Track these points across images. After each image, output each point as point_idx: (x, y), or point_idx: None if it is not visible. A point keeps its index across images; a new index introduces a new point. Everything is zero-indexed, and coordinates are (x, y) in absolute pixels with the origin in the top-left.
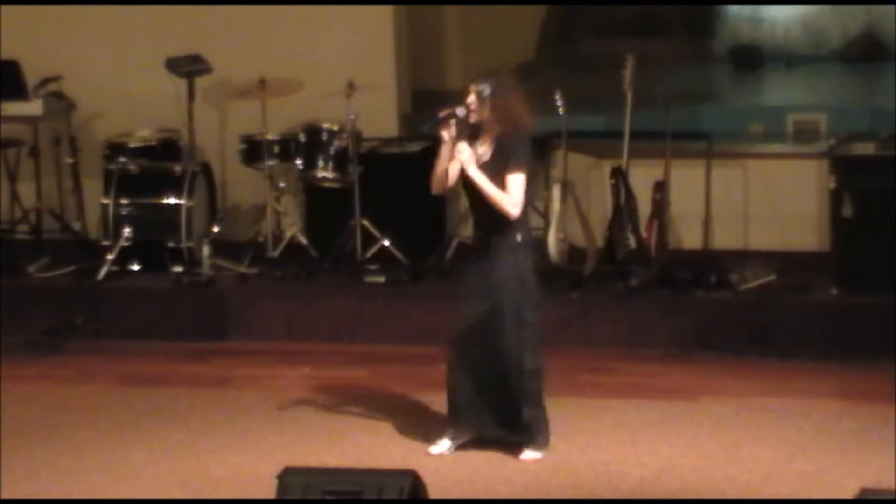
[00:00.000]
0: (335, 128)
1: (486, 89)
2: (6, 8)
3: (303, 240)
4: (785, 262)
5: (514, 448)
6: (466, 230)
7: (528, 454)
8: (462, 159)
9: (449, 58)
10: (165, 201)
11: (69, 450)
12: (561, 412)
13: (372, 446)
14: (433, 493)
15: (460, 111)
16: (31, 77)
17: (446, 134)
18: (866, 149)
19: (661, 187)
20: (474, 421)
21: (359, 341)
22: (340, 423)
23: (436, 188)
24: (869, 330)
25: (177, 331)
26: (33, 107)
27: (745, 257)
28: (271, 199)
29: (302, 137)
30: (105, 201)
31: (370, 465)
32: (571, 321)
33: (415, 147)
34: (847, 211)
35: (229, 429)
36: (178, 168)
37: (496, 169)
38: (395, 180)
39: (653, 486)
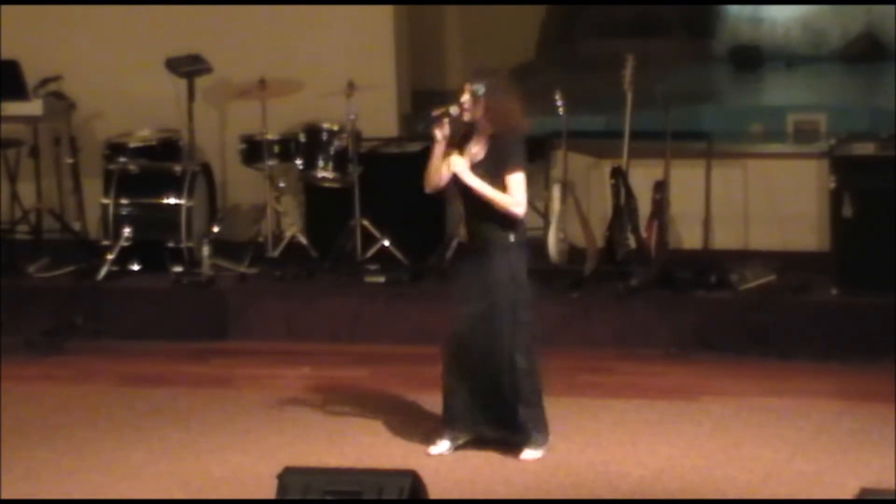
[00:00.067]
0: (335, 128)
1: (481, 89)
2: (6, 8)
3: (303, 240)
4: (785, 262)
5: (513, 448)
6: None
7: (528, 454)
8: (457, 171)
9: (449, 58)
10: (165, 201)
11: (69, 450)
12: (561, 412)
13: (372, 446)
14: (433, 493)
15: (454, 110)
16: (31, 77)
17: (439, 132)
18: (866, 149)
19: (661, 187)
20: (470, 422)
21: (359, 341)
22: (340, 423)
23: (429, 186)
24: (869, 330)
25: (177, 331)
26: (33, 107)
27: (745, 257)
28: (271, 199)
29: (302, 137)
30: (105, 201)
31: (370, 465)
32: (571, 321)
33: (415, 147)
34: (847, 211)
35: (229, 429)
36: (178, 168)
37: (489, 168)
38: (395, 180)
39: (653, 486)
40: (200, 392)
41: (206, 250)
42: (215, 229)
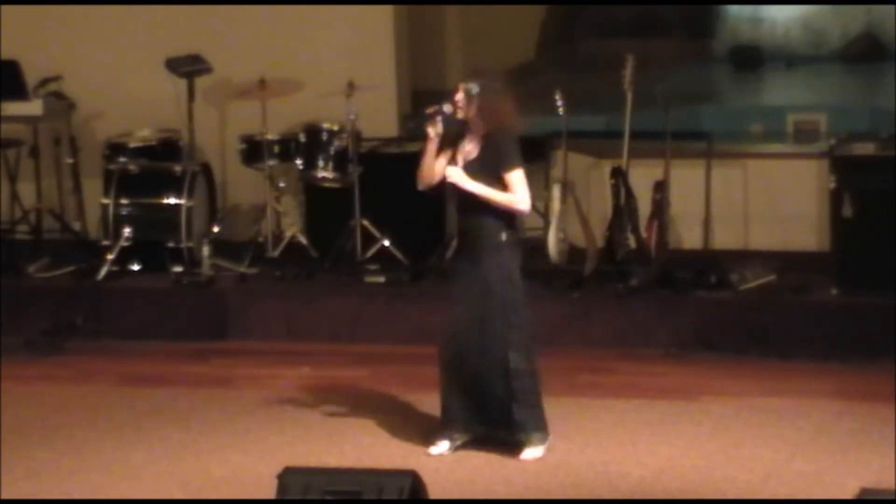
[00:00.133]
0: (335, 128)
1: (475, 88)
2: (6, 8)
3: (303, 240)
4: (785, 262)
5: (513, 448)
6: None
7: (528, 453)
8: (456, 181)
9: (449, 58)
10: (165, 201)
11: (69, 450)
12: (561, 412)
13: (372, 446)
14: (433, 493)
15: (447, 108)
16: (31, 77)
17: (432, 130)
18: (866, 149)
19: (661, 187)
20: (468, 423)
21: (359, 341)
22: (340, 423)
23: (421, 184)
24: (869, 330)
25: (177, 331)
26: (33, 107)
27: (745, 257)
28: (271, 199)
29: (302, 137)
30: (105, 201)
31: (370, 465)
32: (571, 321)
33: (415, 147)
34: (847, 211)
35: (229, 429)
36: (178, 168)
37: (483, 166)
38: (395, 180)
39: (653, 486)
40: (200, 392)
41: (206, 250)
42: (215, 229)
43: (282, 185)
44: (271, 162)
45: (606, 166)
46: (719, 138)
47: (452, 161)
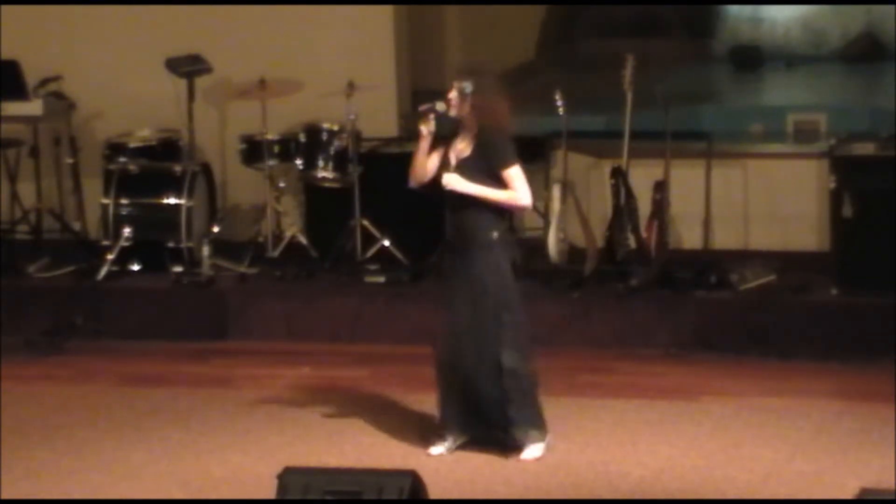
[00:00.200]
0: (335, 128)
1: (468, 87)
2: (6, 8)
3: (303, 240)
4: (785, 262)
5: (513, 448)
6: None
7: (528, 452)
8: (454, 188)
9: (449, 58)
10: (165, 201)
11: (69, 450)
12: (561, 412)
13: (372, 446)
14: (433, 493)
15: (440, 106)
16: (31, 77)
17: (425, 128)
18: (866, 149)
19: (661, 187)
20: (464, 425)
21: (359, 341)
22: (340, 423)
23: (413, 181)
24: (869, 330)
25: (177, 331)
26: (33, 107)
27: (745, 257)
28: (271, 199)
29: (302, 137)
30: (105, 201)
31: (370, 465)
32: (571, 321)
33: (415, 147)
34: (847, 211)
35: (229, 429)
36: (178, 168)
37: (476, 164)
38: (395, 180)
39: (653, 486)
40: (200, 392)
41: (206, 250)
42: (215, 229)
43: (282, 185)
44: (271, 162)
45: (606, 166)
46: (719, 138)
47: (445, 159)
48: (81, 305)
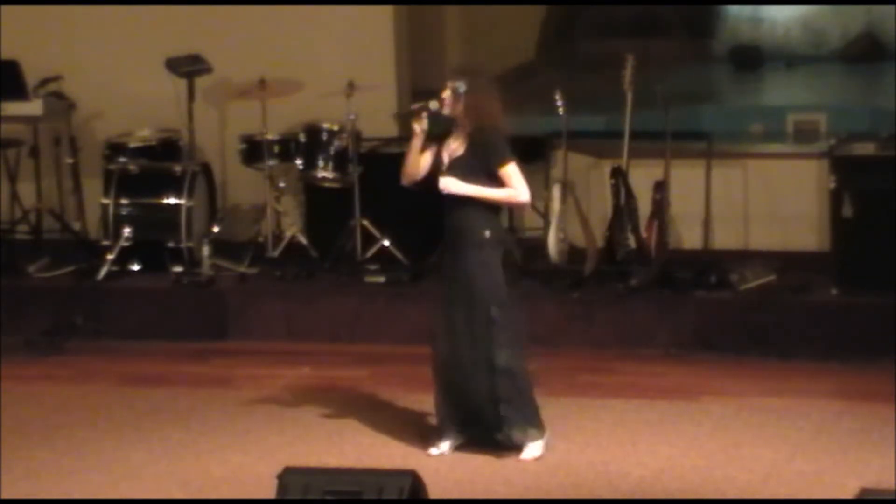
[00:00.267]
0: (335, 128)
1: (462, 86)
2: (6, 8)
3: (303, 240)
4: (785, 262)
5: (513, 448)
6: None
7: (527, 453)
8: (451, 191)
9: (449, 58)
10: (165, 201)
11: (69, 450)
12: (561, 412)
13: (372, 446)
14: (433, 493)
15: (433, 105)
16: (31, 77)
17: (417, 126)
18: (866, 149)
19: (661, 187)
20: (460, 425)
21: (359, 341)
22: (340, 423)
23: (405, 179)
24: (869, 330)
25: (177, 331)
26: (33, 107)
27: (745, 257)
28: (271, 199)
29: (302, 137)
30: (105, 201)
31: (370, 465)
32: (571, 321)
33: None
34: (847, 211)
35: (229, 429)
36: (178, 168)
37: (469, 163)
38: (395, 180)
39: (653, 486)
40: (200, 392)
41: (206, 250)
42: (215, 229)
43: (282, 185)
44: (271, 162)
45: (606, 166)
46: (719, 138)
47: (438, 158)
48: (81, 305)
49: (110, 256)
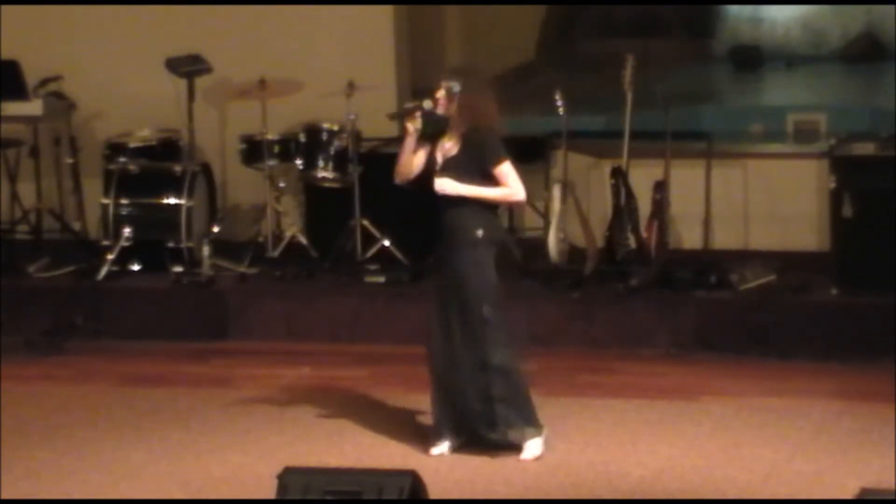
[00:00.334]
0: (335, 128)
1: (456, 86)
2: (6, 8)
3: (303, 240)
4: (785, 262)
5: (513, 448)
6: None
7: (527, 452)
8: (447, 191)
9: (449, 58)
10: (165, 201)
11: (69, 450)
12: (561, 412)
13: (372, 446)
14: (433, 493)
15: (427, 104)
16: (31, 77)
17: (411, 125)
18: (866, 149)
19: (661, 187)
20: (456, 426)
21: (359, 341)
22: (340, 423)
23: (398, 178)
24: (869, 330)
25: (177, 331)
26: (33, 107)
27: (745, 257)
28: (271, 199)
29: (302, 137)
30: (105, 201)
31: (370, 465)
32: (571, 321)
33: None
34: (847, 211)
35: (229, 429)
36: (178, 168)
37: (462, 163)
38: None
39: (653, 486)
40: (200, 392)
41: (206, 250)
42: (215, 229)
43: (282, 185)
44: (271, 162)
45: (606, 166)
46: (719, 138)
47: (432, 157)
48: (81, 305)
49: (110, 256)
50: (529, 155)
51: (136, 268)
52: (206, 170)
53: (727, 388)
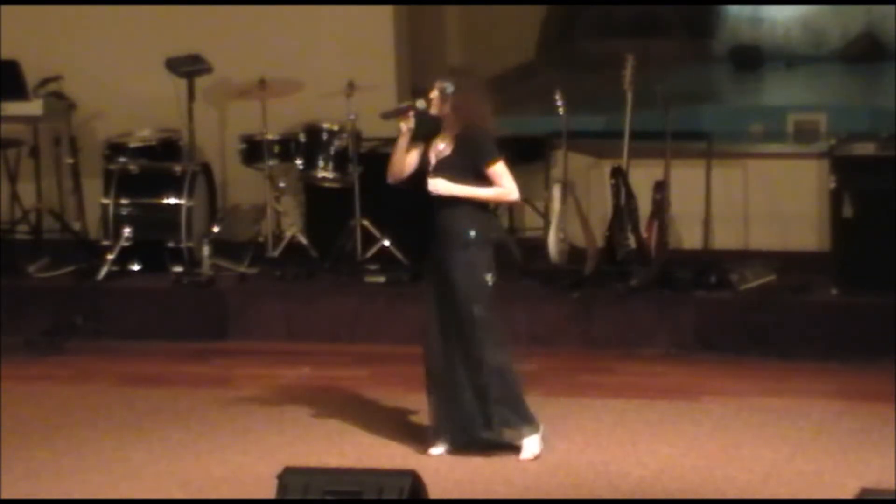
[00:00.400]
0: (335, 128)
1: (450, 87)
2: (6, 8)
3: (303, 240)
4: (785, 262)
5: (512, 448)
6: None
7: (527, 452)
8: (441, 192)
9: (449, 58)
10: (165, 201)
11: (69, 450)
12: (561, 412)
13: (372, 446)
14: (433, 493)
15: (420, 103)
16: (31, 77)
17: (404, 125)
18: (866, 149)
19: (661, 187)
20: (454, 428)
21: (359, 341)
22: (340, 423)
23: (391, 177)
24: (869, 330)
25: (177, 331)
26: (33, 107)
27: (745, 257)
28: (271, 199)
29: (302, 137)
30: (105, 201)
31: (370, 465)
32: (571, 321)
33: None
34: (847, 211)
35: (229, 429)
36: (178, 168)
37: (455, 163)
38: None
39: (653, 486)
40: (200, 392)
41: (206, 250)
42: (215, 229)
43: (282, 185)
44: (271, 162)
45: (606, 166)
46: (719, 138)
47: (425, 157)
48: (81, 305)
49: (110, 256)
50: (529, 155)
51: (136, 268)
52: (206, 170)
53: (727, 388)
